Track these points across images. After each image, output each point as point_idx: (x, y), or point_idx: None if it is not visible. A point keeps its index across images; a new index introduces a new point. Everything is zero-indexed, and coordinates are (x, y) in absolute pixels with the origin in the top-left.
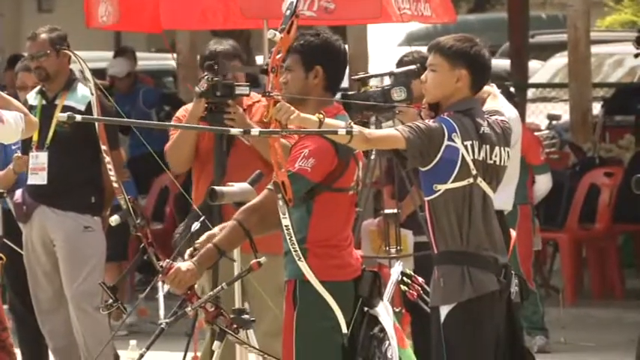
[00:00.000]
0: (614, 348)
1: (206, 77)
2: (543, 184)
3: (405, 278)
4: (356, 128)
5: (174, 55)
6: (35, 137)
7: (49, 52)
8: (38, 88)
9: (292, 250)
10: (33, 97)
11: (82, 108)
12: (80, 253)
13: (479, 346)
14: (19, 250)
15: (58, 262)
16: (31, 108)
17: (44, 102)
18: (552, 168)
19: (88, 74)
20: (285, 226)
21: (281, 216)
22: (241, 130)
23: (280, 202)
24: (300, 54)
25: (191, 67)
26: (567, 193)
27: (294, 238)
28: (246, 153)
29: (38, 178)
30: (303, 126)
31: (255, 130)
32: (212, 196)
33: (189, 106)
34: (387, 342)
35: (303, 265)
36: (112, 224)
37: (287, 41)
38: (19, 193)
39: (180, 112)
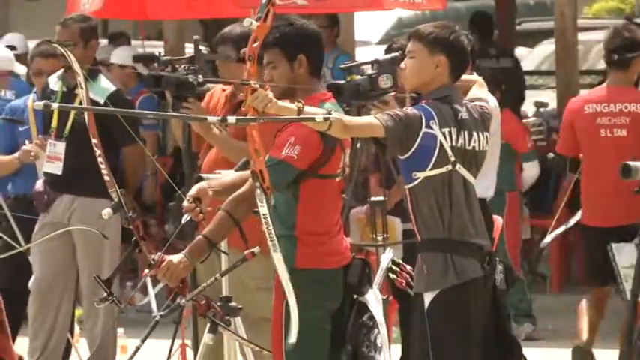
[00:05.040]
0: (600, 334)
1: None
2: (530, 171)
3: (393, 266)
4: (334, 115)
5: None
6: (54, 124)
7: (77, 42)
8: (60, 73)
9: (269, 239)
10: (55, 82)
11: (101, 100)
12: (98, 237)
13: (463, 332)
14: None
15: (72, 251)
16: (52, 93)
17: (65, 89)
18: (539, 155)
19: (77, 67)
20: (263, 214)
21: (258, 204)
22: (218, 117)
23: (258, 191)
24: (279, 47)
25: (179, 56)
26: (554, 180)
27: (271, 227)
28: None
29: (54, 167)
30: (282, 114)
31: (232, 119)
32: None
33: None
34: (376, 330)
35: (277, 256)
36: (105, 218)
37: (263, 30)
38: (40, 182)
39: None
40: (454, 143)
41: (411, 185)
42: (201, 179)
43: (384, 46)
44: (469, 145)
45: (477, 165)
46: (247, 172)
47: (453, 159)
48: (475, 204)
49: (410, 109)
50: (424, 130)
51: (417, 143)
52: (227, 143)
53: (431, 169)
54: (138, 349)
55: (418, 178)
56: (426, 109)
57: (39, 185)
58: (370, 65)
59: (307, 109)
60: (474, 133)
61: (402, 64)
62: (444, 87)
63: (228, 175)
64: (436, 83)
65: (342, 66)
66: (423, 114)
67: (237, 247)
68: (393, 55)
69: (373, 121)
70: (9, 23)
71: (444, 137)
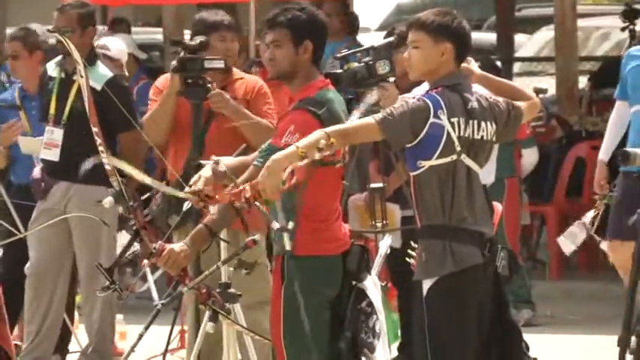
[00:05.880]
0: (600, 321)
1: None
2: (529, 157)
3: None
4: (329, 130)
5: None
6: (52, 111)
7: (74, 28)
8: (58, 59)
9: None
10: (52, 68)
11: (99, 87)
12: (95, 224)
13: (460, 319)
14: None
15: (68, 236)
16: (50, 79)
17: (63, 75)
18: (539, 141)
19: (77, 56)
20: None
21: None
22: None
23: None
24: (289, 28)
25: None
26: (554, 166)
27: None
28: (226, 128)
29: (51, 154)
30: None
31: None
32: None
33: (168, 76)
34: (375, 316)
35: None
36: (106, 207)
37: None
38: (37, 170)
39: (161, 81)
40: (462, 133)
41: (415, 173)
42: (201, 166)
43: (384, 33)
44: (477, 134)
45: (484, 154)
46: (248, 158)
47: (459, 149)
48: (478, 192)
49: (416, 100)
50: (431, 119)
51: (423, 132)
52: (251, 124)
53: (437, 159)
54: (141, 336)
55: (423, 166)
56: (435, 98)
57: (36, 172)
58: (366, 52)
59: (302, 141)
60: (483, 123)
61: (406, 54)
62: (453, 75)
63: (226, 161)
64: (443, 71)
65: (337, 55)
66: (431, 103)
67: (237, 229)
68: (389, 40)
69: (368, 121)
70: (7, 14)
71: (452, 127)
